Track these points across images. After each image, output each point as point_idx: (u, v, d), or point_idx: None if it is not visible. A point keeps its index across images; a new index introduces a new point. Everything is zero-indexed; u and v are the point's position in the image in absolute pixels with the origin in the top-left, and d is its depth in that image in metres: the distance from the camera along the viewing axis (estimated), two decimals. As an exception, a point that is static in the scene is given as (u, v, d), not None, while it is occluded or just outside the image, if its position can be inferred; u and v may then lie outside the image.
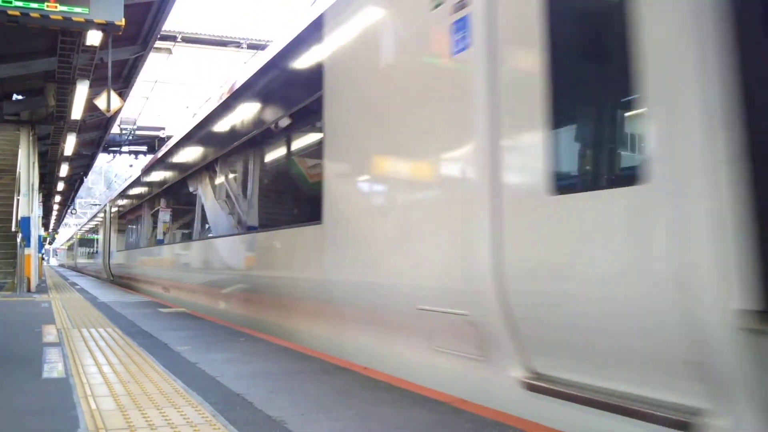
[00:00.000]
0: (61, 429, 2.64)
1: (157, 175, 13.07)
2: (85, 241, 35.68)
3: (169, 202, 12.43)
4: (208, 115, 8.75)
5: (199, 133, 9.36)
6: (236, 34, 19.23)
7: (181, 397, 3.22)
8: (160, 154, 12.98)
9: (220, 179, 8.51)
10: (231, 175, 8.16)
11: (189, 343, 5.28)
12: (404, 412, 2.91)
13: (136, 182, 16.16)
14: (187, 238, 10.48)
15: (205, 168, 8.96)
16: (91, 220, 32.19)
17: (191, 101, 21.38)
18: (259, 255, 6.63)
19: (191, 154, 9.92)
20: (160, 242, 12.60)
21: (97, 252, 26.88)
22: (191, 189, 9.92)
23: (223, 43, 19.30)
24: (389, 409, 2.98)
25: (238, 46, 19.08)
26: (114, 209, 20.28)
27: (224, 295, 8.01)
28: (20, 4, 6.88)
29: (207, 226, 8.96)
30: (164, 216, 12.66)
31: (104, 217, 22.73)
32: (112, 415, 2.84)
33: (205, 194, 9.04)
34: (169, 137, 18.78)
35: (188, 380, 3.65)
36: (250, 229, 7.14)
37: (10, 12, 6.87)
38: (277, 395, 3.28)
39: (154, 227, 13.50)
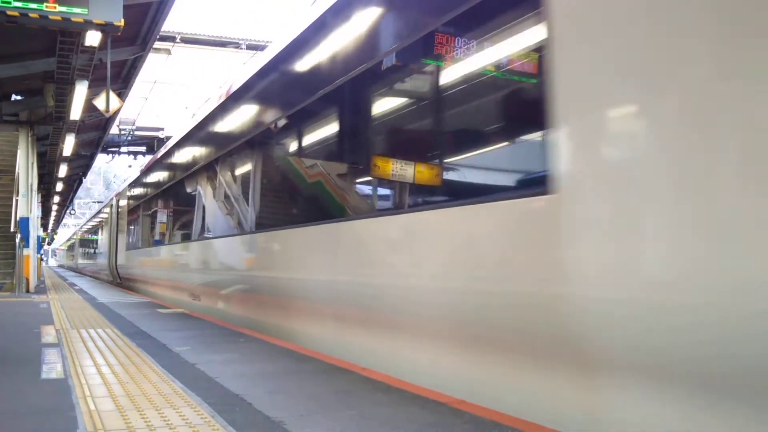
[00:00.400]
0: (59, 430, 2.63)
1: (185, 156, 10.24)
2: (87, 240, 32.91)
3: (203, 189, 9.25)
4: (284, 51, 6.10)
5: (268, 81, 6.56)
6: (235, 34, 19.24)
7: (180, 397, 3.22)
8: (190, 128, 10.05)
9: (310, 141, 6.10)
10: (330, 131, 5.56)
11: (188, 343, 5.28)
12: (403, 412, 2.91)
13: (153, 170, 13.52)
14: (237, 230, 7.56)
15: (284, 130, 6.29)
16: (94, 217, 29.70)
17: (190, 102, 21.36)
18: (393, 250, 4.08)
19: (254, 112, 7.08)
20: (195, 237, 9.78)
21: (100, 251, 24.57)
22: (247, 167, 7.44)
23: (222, 44, 19.29)
24: (388, 409, 2.98)
25: (237, 47, 19.08)
26: (123, 203, 17.70)
27: (309, 310, 5.34)
28: (19, 4, 6.88)
29: (276, 213, 6.61)
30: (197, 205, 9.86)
31: (110, 213, 20.28)
32: (111, 416, 2.84)
33: (274, 169, 6.65)
34: (168, 137, 18.50)
35: (187, 381, 3.64)
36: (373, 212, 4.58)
37: (9, 12, 6.87)
38: (277, 396, 3.28)
39: (179, 220, 11.28)
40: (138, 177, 15.79)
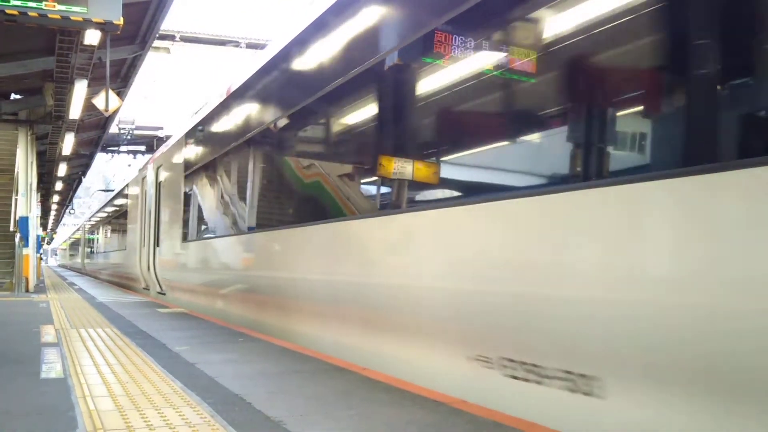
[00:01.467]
0: (59, 429, 2.63)
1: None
2: (101, 234, 24.68)
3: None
4: None
5: None
6: (235, 33, 19.26)
7: (180, 397, 3.21)
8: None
9: None
10: None
11: (188, 343, 5.28)
12: (404, 413, 2.90)
13: (236, 103, 7.52)
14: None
15: None
16: (111, 201, 21.56)
17: (190, 100, 21.35)
18: None
19: None
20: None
21: (123, 247, 16.75)
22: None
23: (221, 42, 19.34)
24: (389, 409, 2.97)
25: (236, 46, 19.10)
26: (172, 167, 10.80)
27: None
28: (18, 3, 6.86)
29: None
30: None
31: (141, 191, 13.69)
32: (111, 416, 2.83)
33: None
34: (168, 137, 18.16)
35: (187, 381, 3.64)
36: None
37: (8, 11, 6.85)
38: (276, 396, 3.27)
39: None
40: (199, 124, 9.04)
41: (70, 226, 56.43)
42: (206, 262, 8.74)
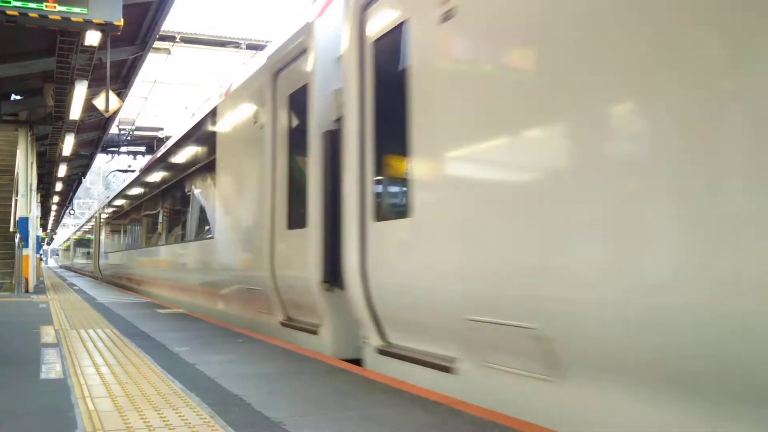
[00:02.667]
0: (58, 429, 2.63)
1: None
2: (137, 215, 14.94)
3: None
4: None
5: None
6: (235, 34, 19.26)
7: (180, 398, 3.21)
8: None
9: None
10: None
11: (187, 343, 5.27)
12: (403, 413, 2.90)
13: None
14: None
15: None
16: (162, 159, 12.05)
17: (190, 102, 21.32)
18: None
19: None
20: None
21: (197, 236, 9.05)
22: None
23: (222, 44, 19.32)
24: (388, 410, 2.98)
25: (237, 47, 19.10)
26: None
27: None
28: (19, 3, 6.87)
29: None
30: None
31: (270, 109, 5.92)
32: (110, 417, 2.83)
33: None
34: (168, 137, 17.84)
35: (186, 381, 3.64)
36: None
37: (8, 12, 6.87)
38: (276, 396, 3.28)
39: None
40: None
41: (70, 227, 56.03)
42: None
